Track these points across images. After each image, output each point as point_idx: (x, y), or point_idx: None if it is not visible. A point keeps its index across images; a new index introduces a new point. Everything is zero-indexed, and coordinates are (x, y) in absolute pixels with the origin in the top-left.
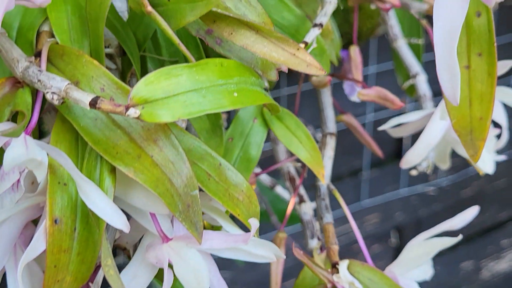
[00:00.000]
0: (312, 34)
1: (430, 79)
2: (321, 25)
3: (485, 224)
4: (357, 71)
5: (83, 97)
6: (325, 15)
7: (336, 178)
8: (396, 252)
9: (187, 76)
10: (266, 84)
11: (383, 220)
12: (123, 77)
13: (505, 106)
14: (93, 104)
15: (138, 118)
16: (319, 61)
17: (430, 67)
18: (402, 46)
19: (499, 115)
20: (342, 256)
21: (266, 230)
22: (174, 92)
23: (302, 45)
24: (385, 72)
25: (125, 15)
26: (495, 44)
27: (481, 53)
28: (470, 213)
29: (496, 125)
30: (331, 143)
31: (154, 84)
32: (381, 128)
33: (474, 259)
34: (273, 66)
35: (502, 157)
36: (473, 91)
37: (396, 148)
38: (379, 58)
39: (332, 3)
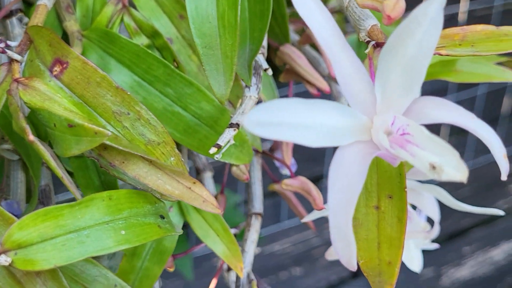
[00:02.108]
0: (227, 136)
1: None
2: (237, 125)
3: (447, 230)
4: (287, 149)
5: None
6: (242, 113)
7: None
8: None
9: (68, 217)
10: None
11: None
12: (25, 168)
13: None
14: None
15: (10, 265)
16: (240, 152)
17: None
18: None
19: (432, 210)
20: (301, 263)
21: None
22: (51, 235)
23: (215, 149)
24: None
25: None
26: (406, 190)
27: (391, 196)
28: None
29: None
30: (256, 224)
31: (30, 227)
32: (303, 220)
33: (434, 266)
34: None
35: (435, 246)
36: (382, 234)
37: None
38: None
39: (252, 98)
